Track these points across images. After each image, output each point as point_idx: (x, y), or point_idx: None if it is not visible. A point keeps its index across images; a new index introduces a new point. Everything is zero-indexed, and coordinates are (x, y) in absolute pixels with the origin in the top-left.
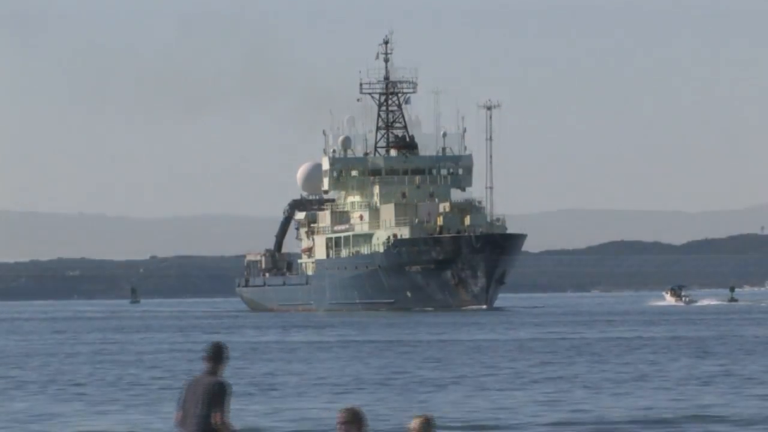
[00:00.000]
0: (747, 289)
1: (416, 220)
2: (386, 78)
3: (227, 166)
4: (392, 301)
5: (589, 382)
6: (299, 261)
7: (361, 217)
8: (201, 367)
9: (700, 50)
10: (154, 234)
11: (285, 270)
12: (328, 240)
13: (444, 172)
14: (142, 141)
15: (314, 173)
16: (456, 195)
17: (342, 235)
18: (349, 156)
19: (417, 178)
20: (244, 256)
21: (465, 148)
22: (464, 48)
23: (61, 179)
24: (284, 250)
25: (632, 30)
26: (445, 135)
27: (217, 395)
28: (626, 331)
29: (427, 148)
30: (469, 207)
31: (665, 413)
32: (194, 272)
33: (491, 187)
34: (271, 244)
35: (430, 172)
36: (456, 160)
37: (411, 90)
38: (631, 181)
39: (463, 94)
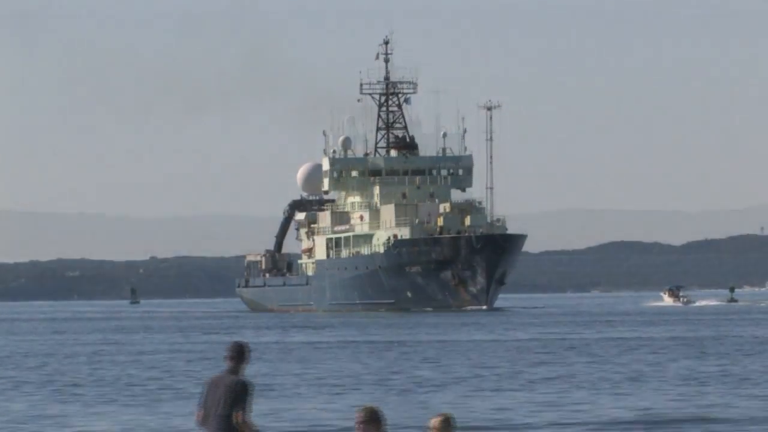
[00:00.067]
0: (747, 289)
1: (416, 221)
2: (386, 78)
3: (227, 166)
4: (392, 301)
5: (588, 382)
6: (299, 261)
7: (362, 218)
8: (198, 367)
9: (700, 50)
10: (153, 234)
11: (285, 270)
12: (329, 240)
13: (444, 172)
14: (142, 141)
15: (314, 173)
16: (456, 195)
17: (342, 235)
18: (349, 156)
19: (417, 179)
20: (244, 257)
21: (465, 148)
22: (464, 48)
23: (61, 179)
24: (284, 250)
25: (632, 30)
26: (445, 135)
27: (239, 394)
28: (624, 332)
29: (428, 148)
30: (470, 207)
31: (665, 413)
32: (194, 273)
33: (491, 188)
34: (271, 245)
35: (431, 173)
36: (456, 160)
37: (411, 90)
38: (631, 181)
39: (463, 94)
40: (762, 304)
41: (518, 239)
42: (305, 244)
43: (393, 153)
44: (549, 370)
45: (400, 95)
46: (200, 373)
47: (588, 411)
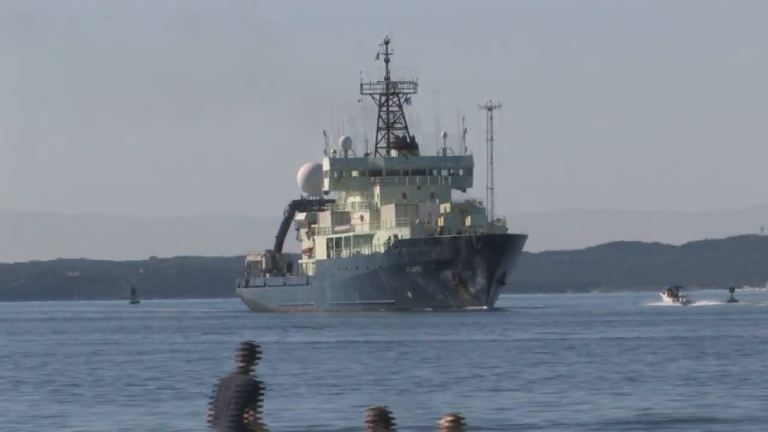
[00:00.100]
0: (747, 289)
1: (417, 221)
2: (387, 78)
3: (227, 166)
4: (393, 301)
5: (588, 382)
6: (299, 261)
7: (362, 218)
8: (198, 367)
9: (700, 50)
10: (153, 234)
11: (285, 270)
12: (329, 240)
13: (444, 172)
14: (142, 141)
15: (314, 174)
16: (456, 195)
17: (342, 235)
18: (349, 156)
19: (417, 179)
20: (244, 257)
21: (465, 148)
22: (464, 48)
23: (61, 179)
24: (284, 250)
25: (633, 30)
26: (445, 135)
27: (251, 394)
28: (624, 332)
29: (428, 148)
30: (470, 207)
31: (664, 413)
32: (194, 273)
33: (492, 188)
34: (271, 245)
35: (431, 173)
36: (456, 160)
37: (411, 90)
38: (631, 181)
39: (463, 94)
40: (761, 304)
41: (518, 239)
42: (305, 244)
43: (393, 153)
44: (548, 371)
45: (400, 95)
46: (200, 374)
47: (587, 411)
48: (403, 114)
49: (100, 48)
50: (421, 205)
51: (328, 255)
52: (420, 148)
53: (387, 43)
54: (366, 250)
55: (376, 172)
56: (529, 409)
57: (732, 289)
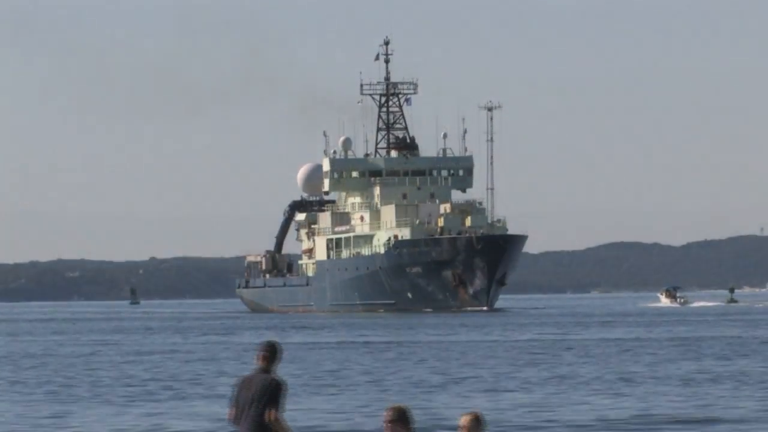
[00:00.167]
0: (747, 290)
1: (417, 221)
2: (387, 79)
3: (227, 166)
4: (393, 302)
5: (587, 382)
6: (299, 262)
7: (362, 218)
8: (197, 367)
9: (701, 50)
10: (153, 234)
11: (285, 271)
12: (329, 241)
13: (444, 173)
14: (142, 141)
15: (314, 174)
16: (457, 196)
17: (342, 236)
18: (349, 157)
19: (418, 179)
20: (244, 257)
21: (465, 149)
22: (465, 48)
23: (61, 179)
24: (284, 251)
25: (633, 30)
26: (445, 136)
27: (273, 393)
28: (622, 332)
29: (428, 149)
30: (470, 208)
31: (664, 413)
32: (194, 273)
33: (492, 188)
34: (271, 245)
35: (431, 173)
36: (456, 161)
37: (411, 91)
38: (632, 181)
39: (463, 95)
40: (759, 305)
41: (519, 240)
42: (305, 244)
43: (393, 154)
44: (547, 371)
45: (400, 96)
46: (200, 374)
47: (587, 411)
48: (403, 114)
49: (100, 48)
50: (421, 205)
51: (328, 255)
52: (420, 148)
53: (387, 43)
54: (366, 251)
55: (376, 173)
56: (529, 409)
57: (732, 290)
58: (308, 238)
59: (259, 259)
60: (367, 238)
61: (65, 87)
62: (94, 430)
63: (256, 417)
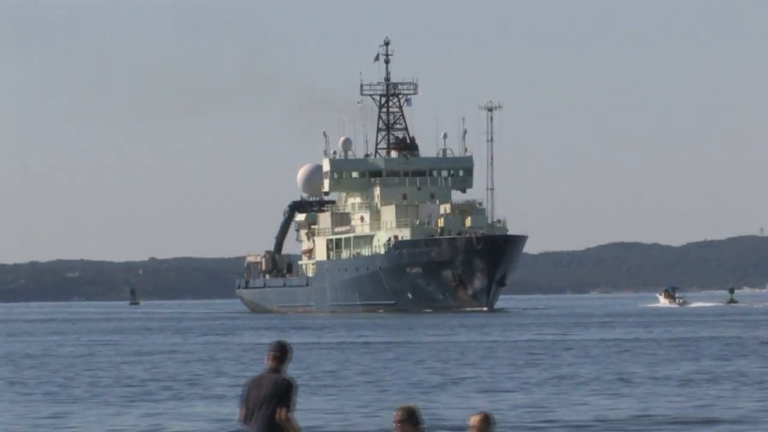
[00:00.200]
0: (747, 290)
1: (417, 222)
2: (387, 79)
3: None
4: (393, 302)
5: (586, 382)
6: (299, 262)
7: (362, 219)
8: (197, 368)
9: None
10: (153, 235)
11: (285, 271)
12: (329, 241)
13: (445, 173)
14: (142, 141)
15: (314, 174)
16: (457, 196)
17: (342, 236)
18: (349, 157)
19: (418, 180)
20: (244, 258)
21: (466, 149)
22: (465, 48)
23: (61, 179)
24: (284, 251)
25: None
26: (445, 136)
27: (284, 392)
28: (621, 333)
29: (428, 149)
30: (470, 208)
31: (664, 413)
32: (194, 274)
33: (492, 189)
34: (271, 246)
35: (431, 174)
36: (457, 161)
37: (411, 91)
38: (632, 182)
39: (463, 95)
40: (757, 306)
41: (519, 240)
42: (305, 245)
43: (393, 154)
44: (547, 371)
45: (400, 96)
46: (199, 374)
47: (586, 411)
48: (403, 115)
49: (100, 48)
50: (422, 206)
51: (328, 256)
52: (420, 149)
53: (387, 44)
54: (366, 251)
55: (376, 173)
56: (528, 409)
57: (732, 290)
58: (308, 239)
59: (259, 259)
60: (367, 239)
61: (65, 87)
62: (93, 430)
63: (267, 417)
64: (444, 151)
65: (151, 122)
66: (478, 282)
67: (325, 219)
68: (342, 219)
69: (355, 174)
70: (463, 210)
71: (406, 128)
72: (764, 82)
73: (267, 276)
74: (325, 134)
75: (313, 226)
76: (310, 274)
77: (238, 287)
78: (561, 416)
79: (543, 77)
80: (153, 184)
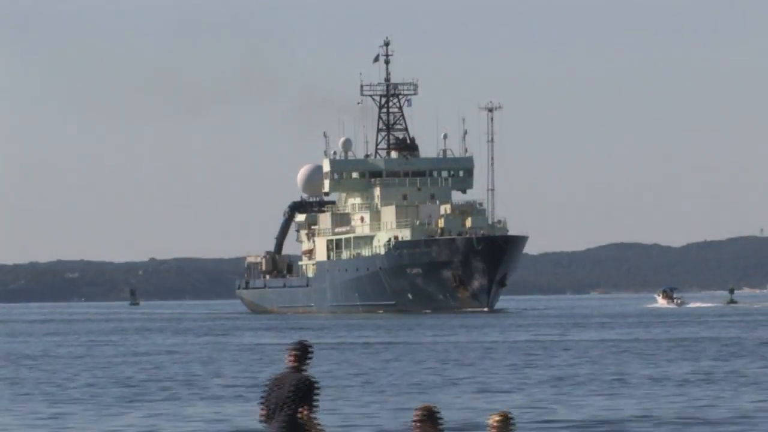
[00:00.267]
0: (747, 291)
1: (417, 222)
2: (387, 80)
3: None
4: (393, 302)
5: (586, 383)
6: (299, 263)
7: (362, 219)
8: (196, 368)
9: (701, 50)
10: (153, 235)
11: (285, 272)
12: (329, 242)
13: (445, 174)
14: (142, 141)
15: (315, 175)
16: (457, 197)
17: (343, 237)
18: (349, 158)
19: (418, 180)
20: (244, 258)
21: (466, 150)
22: (465, 49)
23: (61, 179)
24: (284, 252)
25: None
26: (445, 137)
27: (306, 391)
28: (620, 333)
29: (428, 150)
30: (470, 209)
31: (663, 414)
32: (194, 274)
33: (492, 189)
34: (271, 246)
35: (431, 174)
36: (457, 162)
37: (412, 92)
38: (632, 182)
39: (463, 95)
40: (756, 306)
41: (519, 241)
42: (305, 245)
43: (393, 154)
44: (546, 371)
45: (400, 97)
46: (198, 375)
47: (585, 412)
48: (403, 115)
49: (100, 48)
50: (422, 206)
51: (329, 256)
52: (420, 149)
53: (387, 44)
54: (366, 252)
55: (376, 174)
56: (527, 410)
57: (731, 291)
58: (308, 239)
59: (259, 260)
60: (368, 239)
61: (65, 87)
62: (92, 431)
63: (289, 416)
64: (444, 151)
65: (151, 122)
66: (478, 282)
67: (325, 219)
68: (342, 219)
69: (355, 174)
70: (464, 210)
71: (406, 129)
72: (764, 82)
73: (267, 276)
74: (325, 134)
75: (313, 227)
76: (310, 274)
77: (238, 288)
78: (561, 416)
79: (543, 77)
80: (153, 184)
